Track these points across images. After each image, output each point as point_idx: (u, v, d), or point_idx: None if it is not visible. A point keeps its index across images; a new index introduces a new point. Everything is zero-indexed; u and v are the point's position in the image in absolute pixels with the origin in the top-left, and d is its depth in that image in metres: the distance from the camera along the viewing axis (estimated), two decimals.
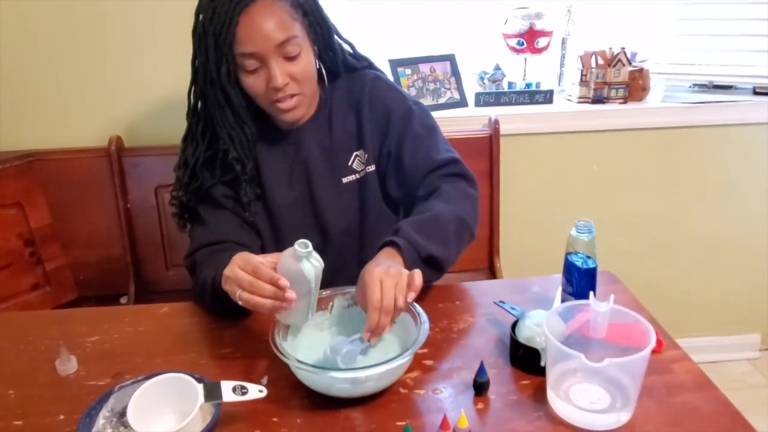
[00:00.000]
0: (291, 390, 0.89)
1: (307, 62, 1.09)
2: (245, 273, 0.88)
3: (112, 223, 1.73)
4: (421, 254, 1.01)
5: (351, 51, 1.23)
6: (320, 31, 1.13)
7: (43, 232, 1.69)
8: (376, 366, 0.82)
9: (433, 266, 1.04)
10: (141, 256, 1.77)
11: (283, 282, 0.85)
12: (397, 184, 1.21)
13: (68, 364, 0.96)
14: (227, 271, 0.91)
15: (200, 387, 0.80)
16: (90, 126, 1.75)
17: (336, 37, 1.18)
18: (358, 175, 1.21)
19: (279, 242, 1.20)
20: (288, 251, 0.88)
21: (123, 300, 1.75)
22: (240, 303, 0.90)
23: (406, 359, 0.84)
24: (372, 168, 1.21)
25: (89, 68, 1.71)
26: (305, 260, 0.87)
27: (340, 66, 1.20)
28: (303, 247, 0.86)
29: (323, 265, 0.90)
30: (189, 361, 0.98)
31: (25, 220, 1.66)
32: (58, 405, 0.88)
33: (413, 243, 1.00)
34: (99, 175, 1.70)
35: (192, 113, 1.15)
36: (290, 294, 0.85)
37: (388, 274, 0.90)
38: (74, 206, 1.72)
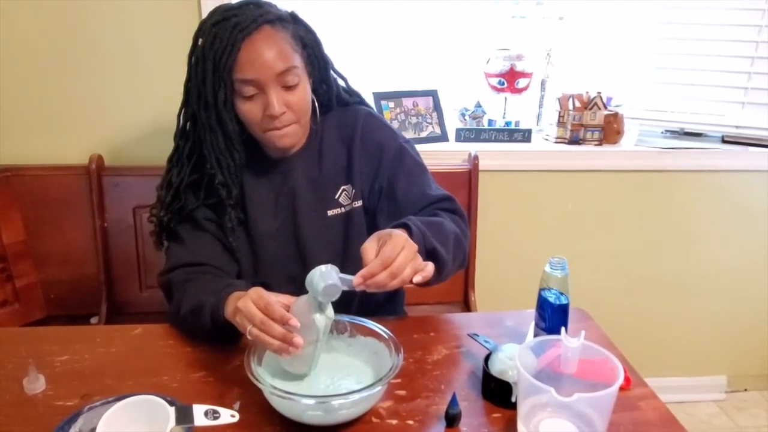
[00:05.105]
0: (263, 416, 0.88)
1: (304, 93, 1.10)
2: (257, 309, 0.88)
3: (87, 241, 1.71)
4: (426, 245, 1.03)
5: (344, 86, 1.25)
6: (317, 64, 1.15)
7: (15, 249, 1.66)
8: (349, 394, 0.83)
9: (433, 262, 1.05)
10: (115, 276, 1.74)
11: (294, 322, 0.85)
12: (389, 218, 1.20)
13: (36, 383, 0.94)
14: (240, 304, 0.90)
15: (172, 410, 0.79)
16: (71, 144, 1.74)
17: (331, 71, 1.20)
18: (343, 209, 1.21)
19: (258, 270, 1.20)
20: (304, 297, 0.89)
21: (93, 320, 1.72)
22: (249, 338, 0.89)
23: (379, 388, 0.85)
24: (359, 203, 1.22)
25: (72, 86, 1.70)
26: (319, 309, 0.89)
27: (333, 100, 1.22)
28: None
29: (333, 319, 0.91)
30: (161, 383, 0.97)
31: None
32: (24, 425, 0.87)
33: (422, 232, 1.03)
34: (77, 192, 1.68)
35: (180, 134, 1.16)
36: (297, 339, 0.86)
37: (412, 248, 0.92)
38: (50, 223, 1.70)
